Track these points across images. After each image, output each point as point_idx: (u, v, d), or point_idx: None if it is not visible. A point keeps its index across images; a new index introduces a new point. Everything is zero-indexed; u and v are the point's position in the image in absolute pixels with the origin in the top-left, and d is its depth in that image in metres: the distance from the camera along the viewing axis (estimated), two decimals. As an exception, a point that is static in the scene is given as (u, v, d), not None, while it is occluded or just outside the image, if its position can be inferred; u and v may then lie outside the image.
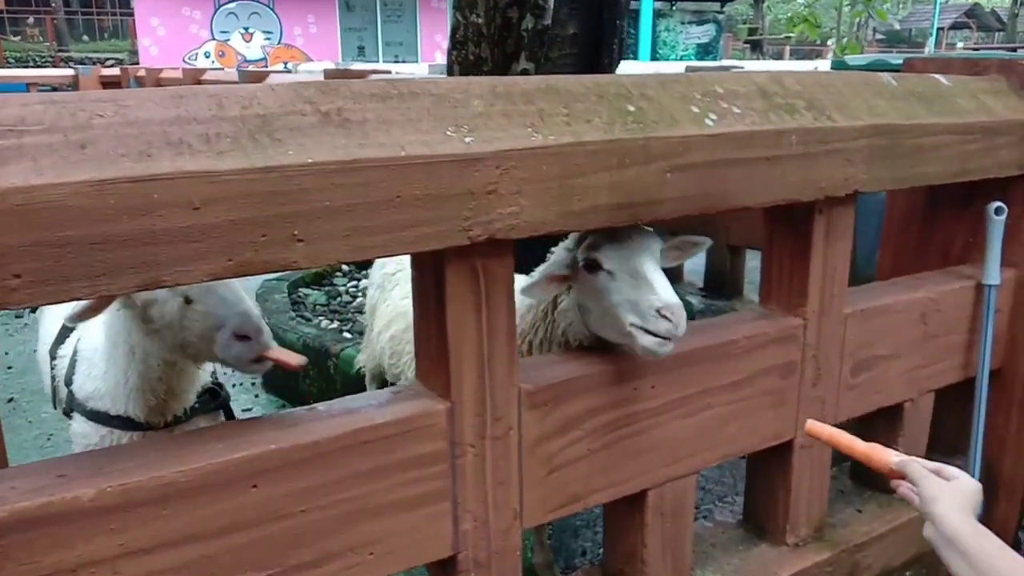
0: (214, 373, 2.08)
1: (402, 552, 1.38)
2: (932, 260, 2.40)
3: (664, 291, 1.45)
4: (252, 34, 20.07)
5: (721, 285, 4.64)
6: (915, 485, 1.15)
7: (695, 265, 5.04)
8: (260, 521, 1.22)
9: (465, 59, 3.11)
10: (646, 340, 1.44)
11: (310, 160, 1.10)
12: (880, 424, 2.23)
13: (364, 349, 3.03)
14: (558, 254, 1.66)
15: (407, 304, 2.44)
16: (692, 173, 1.46)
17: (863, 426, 2.26)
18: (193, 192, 1.02)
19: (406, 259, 2.54)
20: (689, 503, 1.78)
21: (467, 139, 1.23)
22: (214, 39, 19.68)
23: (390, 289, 2.66)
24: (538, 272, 1.65)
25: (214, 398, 1.99)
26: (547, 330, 1.73)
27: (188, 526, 1.16)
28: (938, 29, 26.94)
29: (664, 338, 1.43)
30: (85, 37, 26.21)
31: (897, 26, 32.25)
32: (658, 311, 1.42)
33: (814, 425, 1.37)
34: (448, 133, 1.22)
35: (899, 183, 1.87)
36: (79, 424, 1.73)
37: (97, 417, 1.76)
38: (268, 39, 20.22)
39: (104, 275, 0.99)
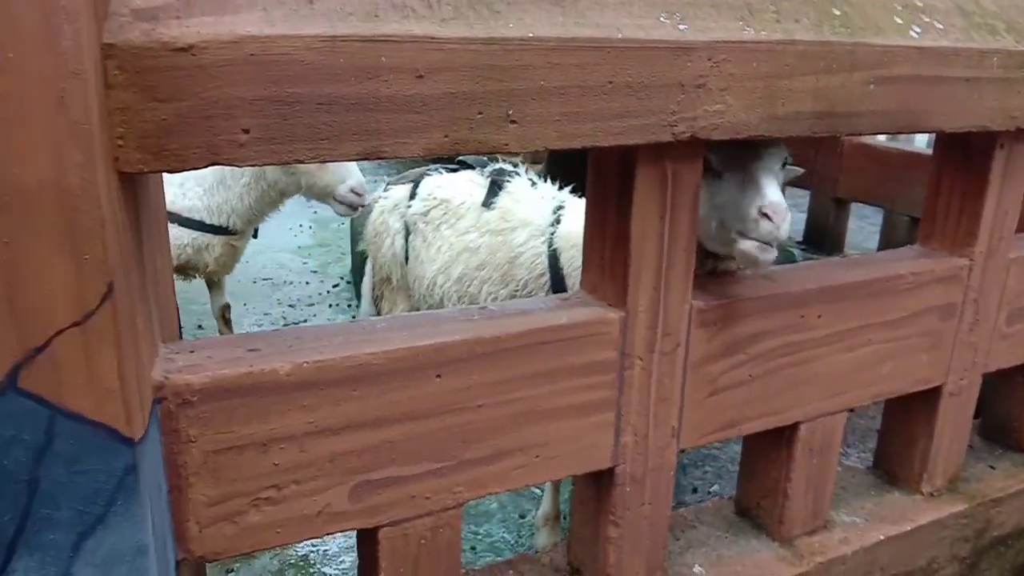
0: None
1: (565, 458, 1.35)
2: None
3: (771, 192, 1.32)
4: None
5: (822, 239, 4.46)
6: None
7: (794, 217, 4.86)
8: (440, 411, 1.20)
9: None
10: (745, 244, 1.34)
11: (531, 35, 1.04)
12: (1020, 380, 2.13)
13: (385, 298, 2.74)
14: None
15: (472, 240, 2.27)
16: (895, 87, 1.37)
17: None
18: (418, 58, 0.97)
19: (460, 188, 2.47)
20: (837, 441, 1.72)
21: (681, 26, 1.15)
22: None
23: (441, 225, 2.39)
24: None
25: None
26: None
27: (375, 409, 1.14)
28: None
29: (765, 243, 1.32)
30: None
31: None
32: (760, 211, 1.30)
33: None
34: (661, 19, 1.15)
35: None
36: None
37: (191, 224, 2.80)
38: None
39: (328, 139, 0.96)
